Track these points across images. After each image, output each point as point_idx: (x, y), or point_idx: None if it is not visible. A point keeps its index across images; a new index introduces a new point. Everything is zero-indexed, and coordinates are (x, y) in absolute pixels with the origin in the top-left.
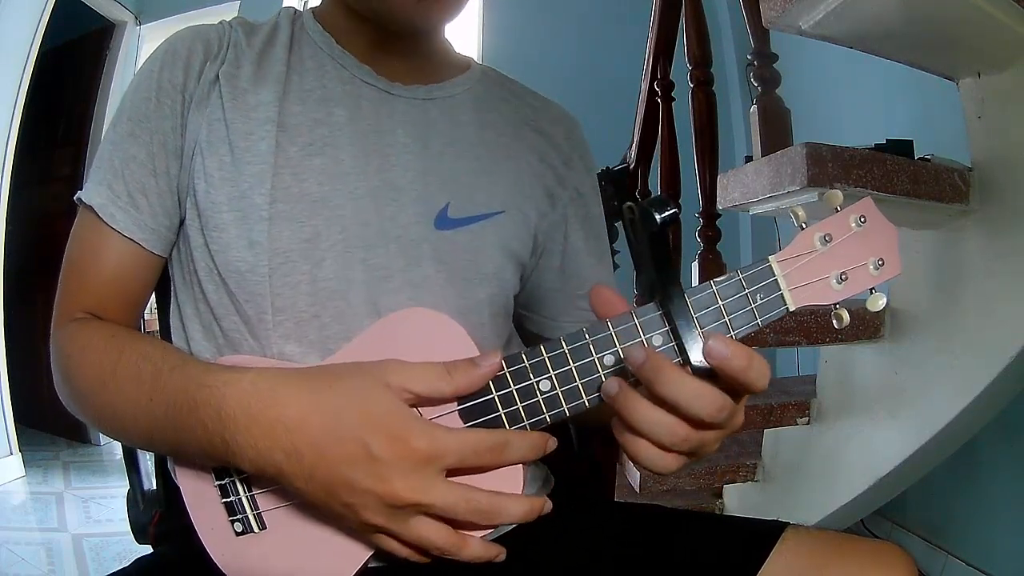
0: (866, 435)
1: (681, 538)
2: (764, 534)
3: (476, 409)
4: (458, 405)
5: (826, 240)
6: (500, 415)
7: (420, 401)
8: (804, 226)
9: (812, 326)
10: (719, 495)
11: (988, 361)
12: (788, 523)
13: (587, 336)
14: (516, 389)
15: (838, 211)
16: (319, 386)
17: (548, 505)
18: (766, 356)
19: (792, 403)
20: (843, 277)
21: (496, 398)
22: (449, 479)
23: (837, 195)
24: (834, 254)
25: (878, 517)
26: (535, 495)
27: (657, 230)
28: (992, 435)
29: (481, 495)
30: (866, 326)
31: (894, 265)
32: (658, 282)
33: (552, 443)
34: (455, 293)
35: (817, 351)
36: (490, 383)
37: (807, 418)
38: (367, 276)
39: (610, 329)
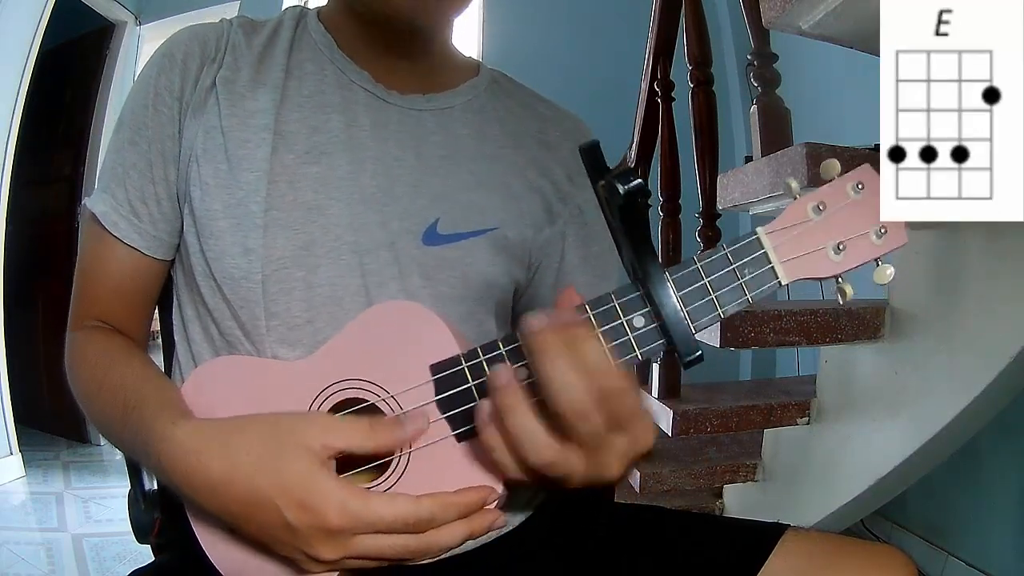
0: (866, 435)
1: (681, 539)
2: (764, 536)
3: (454, 399)
4: (436, 395)
5: (820, 209)
6: (478, 404)
7: (345, 455)
8: (797, 197)
9: (812, 326)
10: (719, 495)
11: (988, 361)
12: (788, 525)
13: None
14: None
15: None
16: (239, 451)
17: (501, 520)
18: (766, 356)
19: (792, 403)
20: (841, 247)
21: (473, 387)
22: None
23: (835, 164)
24: (830, 224)
25: (878, 517)
26: (490, 511)
27: (623, 203)
28: (992, 435)
29: (411, 539)
30: (866, 326)
31: (899, 234)
32: (635, 260)
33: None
34: (442, 309)
35: (817, 351)
36: (466, 372)
37: (807, 418)
38: (362, 281)
39: (588, 313)
